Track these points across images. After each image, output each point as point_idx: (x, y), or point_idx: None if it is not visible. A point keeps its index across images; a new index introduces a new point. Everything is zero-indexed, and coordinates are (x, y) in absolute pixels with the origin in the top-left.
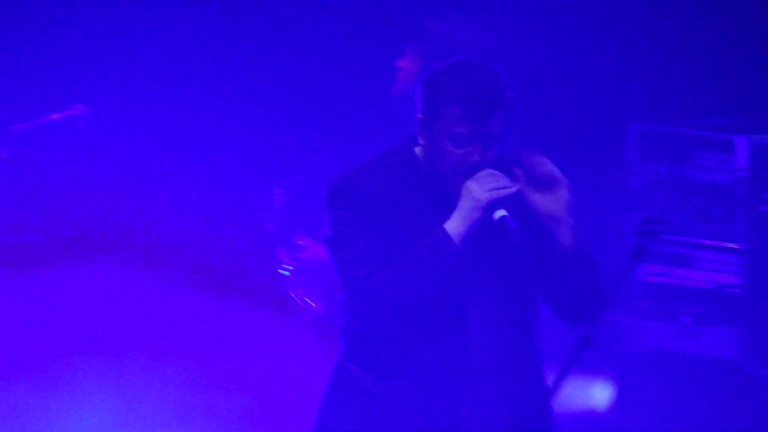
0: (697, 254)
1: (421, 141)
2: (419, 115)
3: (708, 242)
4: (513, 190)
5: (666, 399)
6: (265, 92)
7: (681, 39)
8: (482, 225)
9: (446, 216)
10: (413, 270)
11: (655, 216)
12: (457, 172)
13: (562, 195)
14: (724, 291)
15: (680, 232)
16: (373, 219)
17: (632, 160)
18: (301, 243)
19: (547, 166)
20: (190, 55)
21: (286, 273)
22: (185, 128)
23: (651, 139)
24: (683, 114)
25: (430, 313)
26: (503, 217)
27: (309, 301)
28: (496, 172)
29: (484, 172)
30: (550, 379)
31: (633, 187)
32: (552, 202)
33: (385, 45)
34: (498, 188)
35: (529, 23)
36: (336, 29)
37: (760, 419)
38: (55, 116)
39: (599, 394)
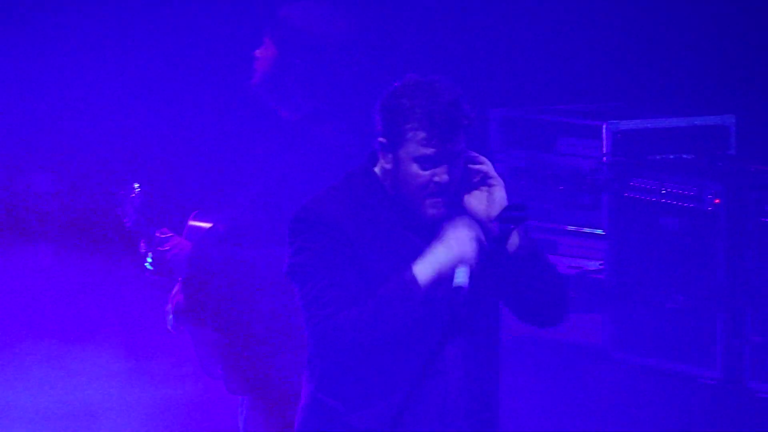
0: (562, 240)
1: (386, 165)
2: (381, 139)
3: (573, 228)
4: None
5: (531, 385)
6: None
7: (542, 24)
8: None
9: (413, 239)
10: (377, 313)
11: (517, 203)
12: (425, 194)
13: (498, 195)
14: (589, 277)
15: (545, 219)
16: (337, 250)
17: (495, 146)
18: (162, 236)
19: (483, 165)
20: None
21: (149, 266)
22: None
23: (514, 126)
24: (546, 100)
25: (401, 352)
26: (459, 288)
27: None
28: (473, 222)
29: (466, 220)
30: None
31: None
32: (487, 203)
33: (242, 35)
34: (475, 252)
35: (387, 7)
36: (188, 19)
37: (626, 404)
38: None
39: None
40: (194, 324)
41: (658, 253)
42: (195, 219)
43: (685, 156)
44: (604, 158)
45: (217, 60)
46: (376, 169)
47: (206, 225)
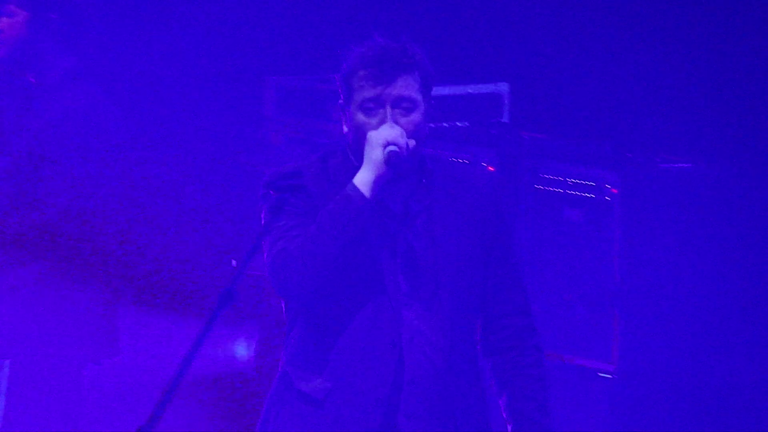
0: None
1: (345, 129)
2: (340, 102)
3: None
4: (406, 140)
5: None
6: None
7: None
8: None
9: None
10: (324, 226)
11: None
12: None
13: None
14: None
15: None
16: (302, 206)
17: (270, 113)
18: None
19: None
20: None
21: None
22: None
23: (289, 93)
24: (320, 68)
25: (356, 303)
26: (392, 151)
27: None
28: (395, 125)
29: (386, 124)
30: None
31: (271, 141)
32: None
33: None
34: (400, 133)
35: None
36: None
37: None
38: None
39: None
40: None
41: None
42: None
43: (459, 124)
44: None
45: None
46: (348, 146)
47: None
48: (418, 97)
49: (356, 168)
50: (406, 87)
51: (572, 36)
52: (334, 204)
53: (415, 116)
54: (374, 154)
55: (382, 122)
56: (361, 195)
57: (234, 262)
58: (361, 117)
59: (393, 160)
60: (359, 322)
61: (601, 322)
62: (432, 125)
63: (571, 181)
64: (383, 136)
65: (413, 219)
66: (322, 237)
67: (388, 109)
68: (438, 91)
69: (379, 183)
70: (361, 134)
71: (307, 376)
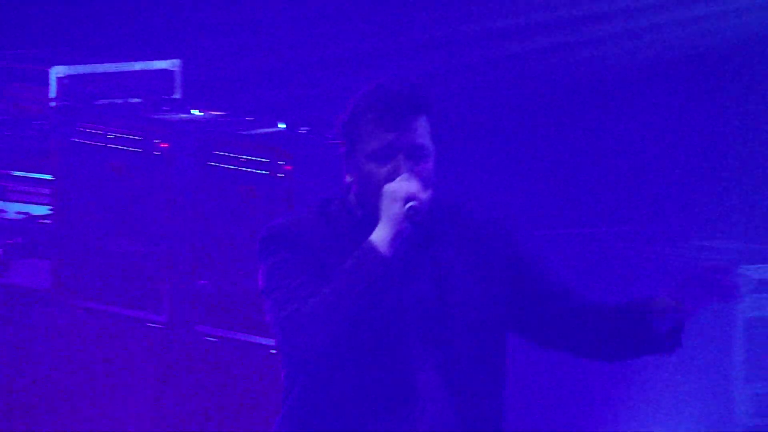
0: (11, 186)
1: (349, 178)
2: (342, 149)
3: (21, 174)
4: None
5: None
6: None
7: None
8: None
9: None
10: (341, 287)
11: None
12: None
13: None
14: (37, 223)
15: None
16: (306, 262)
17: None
18: None
19: None
20: None
21: None
22: None
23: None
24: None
25: (370, 350)
26: (413, 207)
27: None
28: (412, 178)
29: (402, 176)
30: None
31: None
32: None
33: None
34: (417, 188)
35: None
36: None
37: (78, 347)
38: None
39: None
40: None
41: (108, 198)
42: None
43: (131, 100)
44: (52, 103)
45: None
46: (351, 196)
47: None
48: (430, 143)
49: (358, 219)
50: (420, 134)
51: (243, 13)
52: (353, 263)
53: (429, 164)
54: (393, 210)
55: (394, 172)
56: (381, 254)
57: None
58: (370, 166)
59: (414, 217)
60: (369, 381)
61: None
62: (106, 101)
63: (244, 159)
64: (404, 191)
65: (419, 270)
66: (342, 299)
67: (402, 159)
68: (111, 67)
69: (398, 240)
70: (371, 185)
71: (320, 417)
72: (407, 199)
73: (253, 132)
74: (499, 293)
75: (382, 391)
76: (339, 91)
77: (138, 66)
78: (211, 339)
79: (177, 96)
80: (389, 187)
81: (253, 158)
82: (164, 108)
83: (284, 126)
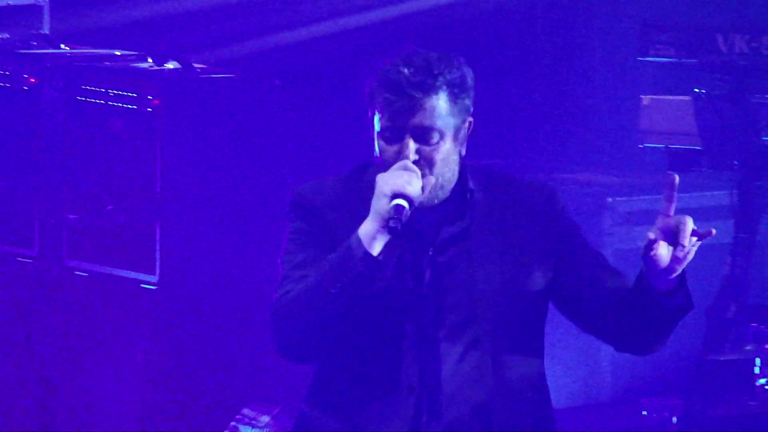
0: None
1: (374, 151)
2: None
3: None
4: (420, 190)
5: None
6: None
7: None
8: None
9: (403, 244)
10: (322, 282)
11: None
12: None
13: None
14: None
15: None
16: (321, 233)
17: None
18: None
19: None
20: None
21: None
22: None
23: None
24: None
25: (374, 344)
26: (398, 205)
27: None
28: (411, 164)
29: (399, 164)
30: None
31: None
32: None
33: None
34: (410, 179)
35: None
36: None
37: None
38: None
39: None
40: None
41: None
42: None
43: (0, 35)
44: None
45: None
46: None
47: None
48: (445, 121)
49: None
50: (427, 115)
51: None
52: (336, 257)
53: (441, 145)
54: (379, 206)
55: (401, 153)
56: (363, 251)
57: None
58: (381, 144)
59: (392, 224)
60: (377, 365)
61: (144, 233)
62: None
63: (113, 93)
64: (390, 185)
65: (446, 246)
66: (320, 293)
67: (408, 140)
68: None
69: (384, 237)
70: (384, 162)
71: (322, 417)
72: (394, 196)
73: (121, 66)
74: (537, 263)
75: (387, 368)
76: (210, 24)
77: (6, 1)
78: (81, 273)
79: (45, 31)
80: (380, 179)
81: (121, 93)
82: (32, 43)
83: (152, 61)
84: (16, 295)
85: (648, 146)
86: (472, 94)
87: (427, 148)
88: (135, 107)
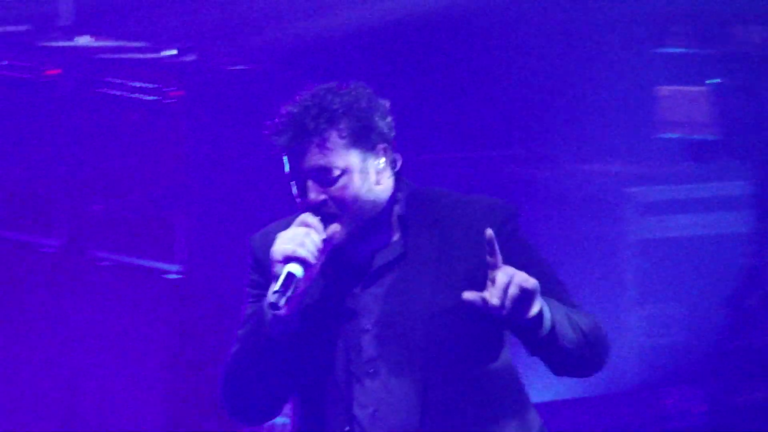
0: None
1: None
2: None
3: None
4: (315, 249)
5: None
6: None
7: None
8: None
9: (335, 280)
10: (243, 345)
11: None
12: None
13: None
14: None
15: None
16: (261, 288)
17: None
18: None
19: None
20: None
21: None
22: None
23: None
24: None
25: (311, 381)
26: (289, 273)
27: None
28: (310, 218)
29: (299, 218)
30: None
31: None
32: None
33: None
34: (304, 239)
35: None
36: None
37: None
38: None
39: None
40: None
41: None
42: None
43: (19, 28)
44: None
45: None
46: None
47: None
48: (345, 156)
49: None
50: (321, 155)
51: None
52: (254, 321)
53: (347, 181)
54: (278, 270)
55: (305, 198)
56: (274, 316)
57: None
58: (294, 192)
59: (273, 300)
60: (320, 411)
61: (167, 223)
62: None
63: (134, 85)
64: (281, 250)
65: (380, 275)
66: (243, 359)
67: (309, 184)
68: None
69: (293, 300)
70: (301, 209)
71: None
72: (286, 260)
73: (142, 58)
74: (480, 284)
75: (324, 404)
76: (231, 17)
77: None
78: (104, 263)
79: (68, 23)
80: (277, 239)
81: (143, 84)
82: (53, 34)
83: (174, 52)
84: (39, 286)
85: (665, 136)
86: (377, 117)
87: (332, 189)
88: (157, 98)
